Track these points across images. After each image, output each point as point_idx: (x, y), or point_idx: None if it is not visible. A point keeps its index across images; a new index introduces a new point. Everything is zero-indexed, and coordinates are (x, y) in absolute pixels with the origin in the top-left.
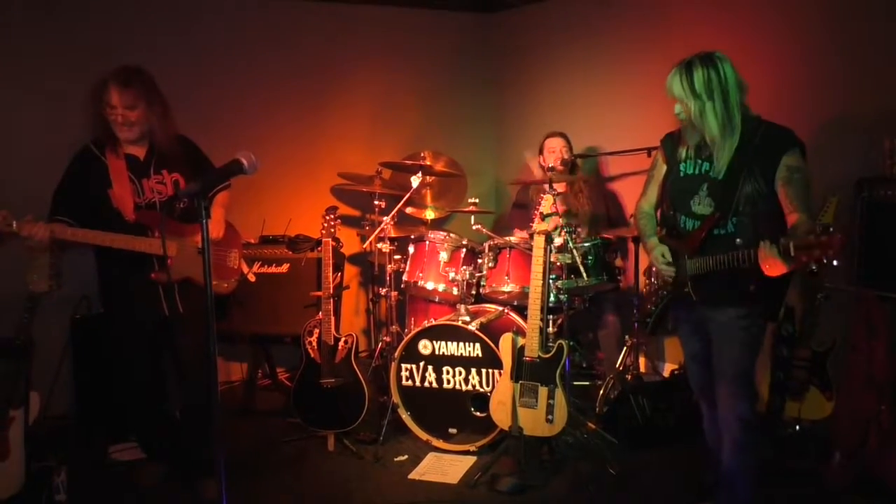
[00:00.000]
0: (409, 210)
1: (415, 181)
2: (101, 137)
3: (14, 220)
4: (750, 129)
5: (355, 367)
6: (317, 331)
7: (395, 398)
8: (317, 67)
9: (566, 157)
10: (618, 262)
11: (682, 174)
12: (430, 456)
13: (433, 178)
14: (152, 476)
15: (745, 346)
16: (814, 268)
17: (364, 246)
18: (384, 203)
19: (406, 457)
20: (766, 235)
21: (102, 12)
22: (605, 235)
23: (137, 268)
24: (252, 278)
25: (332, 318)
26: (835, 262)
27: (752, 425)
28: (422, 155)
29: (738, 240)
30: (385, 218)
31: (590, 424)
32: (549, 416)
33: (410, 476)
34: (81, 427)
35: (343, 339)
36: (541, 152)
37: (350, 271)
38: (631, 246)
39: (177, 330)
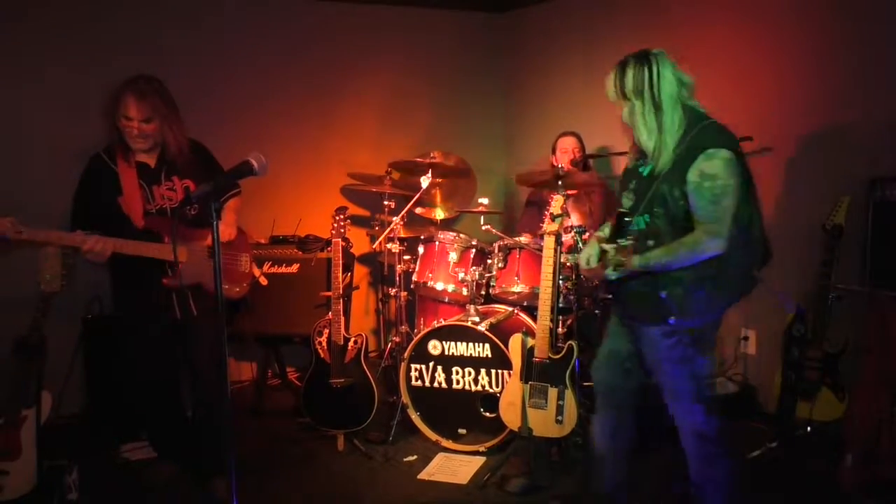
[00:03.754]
0: (418, 210)
1: (424, 181)
2: (113, 146)
3: (23, 228)
4: (689, 127)
5: (365, 367)
6: (326, 331)
7: (405, 398)
8: (326, 68)
9: (578, 156)
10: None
11: (626, 168)
12: (440, 456)
13: (443, 178)
14: (163, 475)
15: (677, 365)
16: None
17: (374, 246)
18: (394, 203)
19: (415, 457)
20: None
21: (109, 13)
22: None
23: (150, 273)
24: (264, 282)
25: (342, 319)
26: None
27: (708, 438)
28: (432, 155)
29: (649, 241)
30: (395, 218)
31: None
32: (559, 417)
33: (420, 476)
34: (92, 426)
35: (353, 339)
36: (553, 152)
37: (360, 271)
38: None
39: (190, 333)
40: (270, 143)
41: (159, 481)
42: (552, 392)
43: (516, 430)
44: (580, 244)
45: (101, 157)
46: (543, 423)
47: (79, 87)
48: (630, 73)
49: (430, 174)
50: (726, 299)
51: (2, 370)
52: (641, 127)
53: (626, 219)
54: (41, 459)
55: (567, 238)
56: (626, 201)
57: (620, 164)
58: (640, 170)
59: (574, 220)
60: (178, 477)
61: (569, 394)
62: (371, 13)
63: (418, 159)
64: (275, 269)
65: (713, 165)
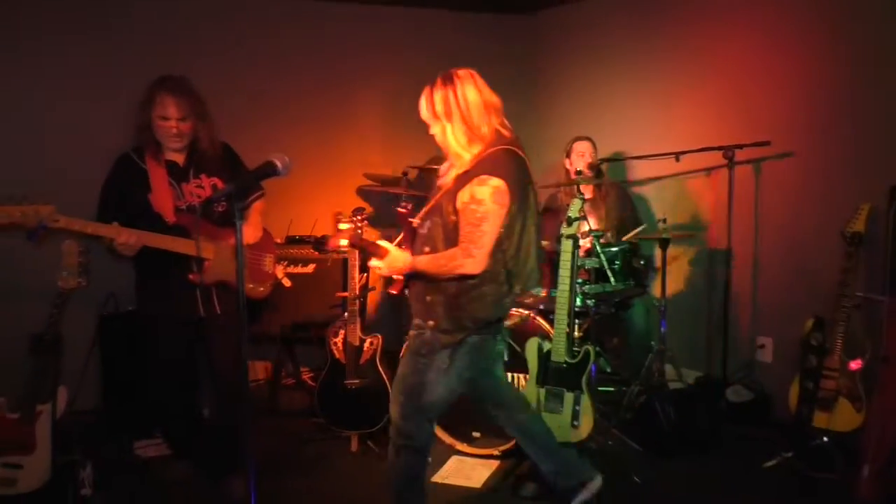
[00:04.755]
0: None
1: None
2: (143, 145)
3: (61, 216)
4: (484, 150)
5: (380, 368)
6: (342, 332)
7: None
8: (344, 68)
9: (593, 160)
10: (645, 266)
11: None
12: (453, 459)
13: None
14: (178, 473)
15: (414, 357)
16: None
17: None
18: (411, 205)
19: (429, 459)
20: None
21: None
22: (632, 240)
23: (175, 269)
24: (287, 283)
25: (358, 319)
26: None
27: (401, 433)
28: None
29: (426, 247)
30: (413, 220)
31: (614, 431)
32: (575, 422)
33: (433, 479)
34: (107, 423)
35: (368, 340)
36: (568, 156)
37: (376, 273)
38: (658, 251)
39: (211, 330)
40: (288, 143)
41: (174, 479)
42: (568, 396)
43: None
44: (598, 248)
45: (130, 157)
46: (559, 428)
47: (106, 85)
48: (438, 95)
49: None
50: (480, 319)
51: (19, 366)
52: (451, 144)
53: (412, 224)
54: (56, 454)
55: (584, 242)
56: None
57: (635, 169)
58: (440, 181)
59: (590, 224)
60: (191, 475)
61: (585, 398)
62: (387, 15)
63: (435, 165)
64: (291, 269)
65: (483, 191)
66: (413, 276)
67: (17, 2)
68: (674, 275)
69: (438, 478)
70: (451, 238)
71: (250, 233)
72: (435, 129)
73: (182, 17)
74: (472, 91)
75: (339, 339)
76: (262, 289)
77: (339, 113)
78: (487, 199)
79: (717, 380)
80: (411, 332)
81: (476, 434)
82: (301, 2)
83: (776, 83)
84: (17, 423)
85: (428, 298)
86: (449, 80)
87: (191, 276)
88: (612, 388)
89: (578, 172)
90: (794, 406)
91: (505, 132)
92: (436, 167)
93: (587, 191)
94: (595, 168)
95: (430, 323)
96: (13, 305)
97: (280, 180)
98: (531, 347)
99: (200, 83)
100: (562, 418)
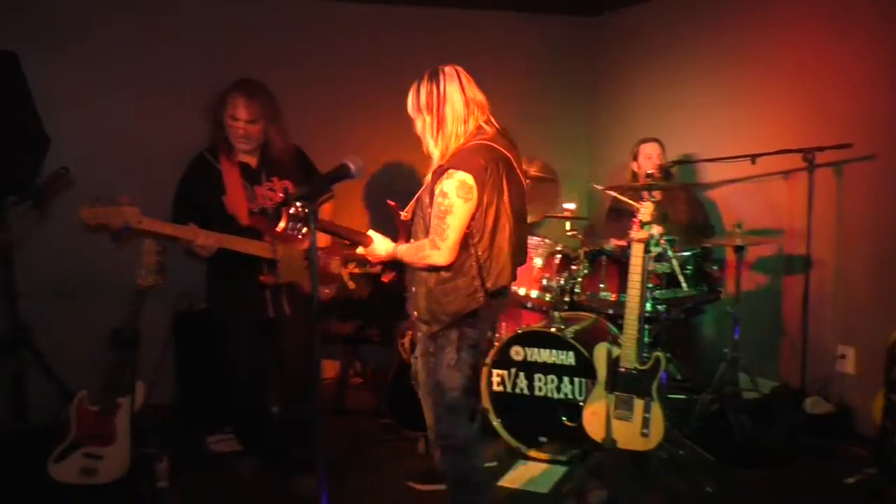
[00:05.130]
0: None
1: None
2: (217, 145)
3: (144, 218)
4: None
5: None
6: (410, 332)
7: (486, 403)
8: (409, 71)
9: (662, 162)
10: (717, 271)
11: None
12: (520, 464)
13: (527, 182)
14: (248, 468)
15: (421, 358)
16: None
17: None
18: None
19: (495, 463)
20: None
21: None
22: (704, 244)
23: (246, 270)
24: (352, 285)
25: None
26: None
27: (441, 436)
28: None
29: (412, 239)
30: (402, 213)
31: (685, 440)
32: (645, 430)
33: (499, 483)
34: (181, 417)
35: None
36: (635, 158)
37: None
38: (731, 256)
39: (281, 330)
40: (359, 144)
41: (244, 474)
42: (638, 404)
43: (600, 441)
44: (668, 252)
45: (205, 157)
46: (628, 436)
47: (184, 86)
48: (423, 90)
49: None
50: (453, 312)
51: (100, 360)
52: (429, 139)
53: (402, 218)
54: (133, 447)
55: (655, 246)
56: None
57: (706, 171)
58: (428, 177)
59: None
60: (261, 471)
61: (656, 406)
62: (455, 19)
63: None
64: (357, 270)
65: (449, 185)
66: (397, 266)
67: (96, 6)
68: (748, 280)
69: (505, 482)
70: (429, 232)
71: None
72: (417, 123)
73: (261, 20)
74: (454, 88)
75: (406, 340)
76: (327, 290)
77: (405, 115)
78: (452, 192)
79: (795, 390)
80: (418, 335)
81: (543, 439)
82: (368, 7)
83: (855, 83)
84: (98, 415)
85: (413, 289)
86: (434, 77)
87: (262, 278)
88: (682, 396)
89: (648, 175)
90: (877, 420)
91: (488, 128)
92: None
93: (655, 194)
94: (664, 170)
95: (415, 313)
96: (94, 302)
97: (353, 183)
98: (600, 352)
99: (277, 87)
100: (631, 426)
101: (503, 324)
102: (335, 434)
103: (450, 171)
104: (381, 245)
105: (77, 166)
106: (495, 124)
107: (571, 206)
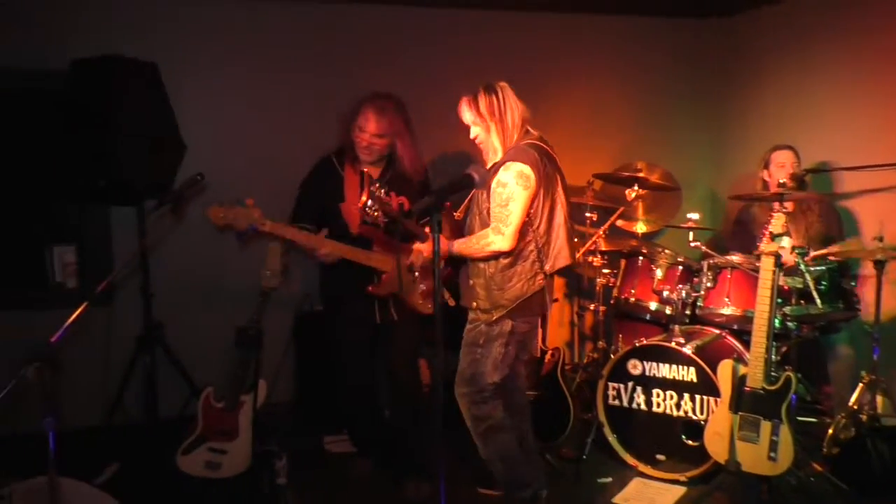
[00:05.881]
0: (619, 222)
1: (630, 194)
2: (343, 151)
3: (267, 221)
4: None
5: (561, 381)
6: None
7: (601, 417)
8: (527, 77)
9: (796, 171)
10: (855, 287)
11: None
12: (636, 481)
13: (646, 190)
14: (362, 470)
15: (467, 347)
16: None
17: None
18: (595, 216)
19: (610, 479)
20: None
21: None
22: (839, 258)
23: (356, 277)
24: (452, 303)
25: (540, 331)
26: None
27: (478, 418)
28: (637, 167)
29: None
30: (600, 230)
31: (816, 466)
32: (773, 454)
33: (614, 500)
34: (300, 415)
35: (550, 352)
36: (766, 166)
37: (557, 283)
38: (871, 271)
39: (388, 336)
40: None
41: (356, 476)
42: (765, 426)
43: (723, 462)
44: (801, 265)
45: (331, 161)
46: (754, 459)
47: (312, 96)
48: (482, 101)
49: (636, 187)
50: (515, 297)
51: (225, 358)
52: (495, 143)
53: (455, 217)
54: (255, 443)
55: (787, 258)
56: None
57: (844, 180)
58: None
59: (789, 239)
60: (374, 474)
61: (785, 429)
62: (572, 23)
63: (623, 172)
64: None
65: (507, 175)
66: (455, 262)
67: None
68: (890, 298)
69: (620, 499)
70: (487, 225)
71: (428, 248)
72: (477, 130)
73: (395, 31)
74: (511, 98)
75: None
76: (430, 305)
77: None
78: (511, 181)
79: None
80: (467, 326)
81: (661, 457)
82: (499, 14)
83: None
84: (222, 412)
85: (470, 282)
86: (492, 89)
87: (370, 288)
88: (813, 419)
89: (780, 184)
90: None
91: (533, 132)
92: (626, 174)
93: (787, 204)
94: (798, 179)
95: (473, 304)
96: (222, 302)
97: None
98: (725, 370)
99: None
100: (757, 449)
101: (619, 336)
102: (444, 441)
103: (507, 163)
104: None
105: (209, 172)
106: (532, 130)
107: (695, 216)
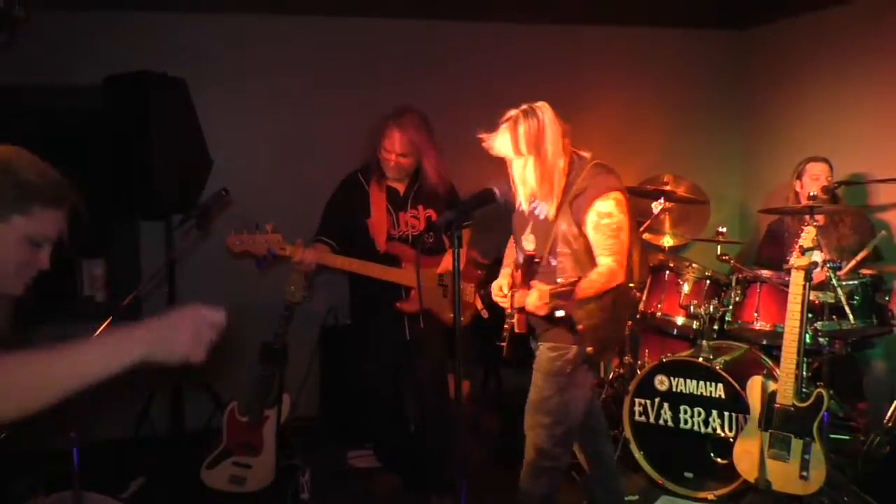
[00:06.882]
0: (645, 236)
1: (656, 207)
2: (369, 168)
3: (288, 245)
4: (575, 171)
5: None
6: None
7: (627, 434)
8: (554, 90)
9: (829, 184)
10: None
11: (517, 211)
12: (663, 499)
13: (673, 203)
14: (386, 486)
15: (548, 377)
16: (556, 314)
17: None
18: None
19: (636, 497)
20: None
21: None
22: (874, 272)
23: (386, 294)
24: (485, 315)
25: None
26: (559, 314)
27: (546, 454)
28: (664, 179)
29: (558, 279)
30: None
31: (851, 486)
32: (804, 473)
33: None
34: (323, 430)
35: None
36: (799, 177)
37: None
38: None
39: (416, 352)
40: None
41: (381, 492)
42: (796, 444)
43: (752, 481)
44: (833, 280)
45: (357, 177)
46: (784, 477)
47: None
48: (521, 129)
49: (662, 200)
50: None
51: (249, 372)
52: (532, 178)
53: (536, 260)
54: (279, 458)
55: (818, 272)
56: (528, 244)
57: (878, 193)
58: (536, 212)
59: (820, 253)
60: (398, 490)
61: (816, 447)
62: (600, 36)
63: (649, 186)
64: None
65: (608, 205)
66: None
67: (253, 34)
68: None
69: None
70: (582, 262)
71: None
72: (518, 162)
73: (424, 45)
74: (551, 120)
75: None
76: (462, 318)
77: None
78: (615, 210)
79: None
80: (547, 356)
81: (688, 475)
82: (521, 27)
83: None
84: (247, 426)
85: (581, 326)
86: (531, 114)
87: (398, 305)
88: (846, 437)
89: (811, 196)
90: None
91: (582, 152)
92: (651, 188)
93: (818, 217)
94: (830, 192)
95: (590, 350)
96: (246, 316)
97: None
98: (754, 386)
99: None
100: (788, 467)
101: (645, 351)
102: (469, 454)
103: (602, 193)
104: (542, 289)
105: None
106: (585, 154)
107: (724, 229)
